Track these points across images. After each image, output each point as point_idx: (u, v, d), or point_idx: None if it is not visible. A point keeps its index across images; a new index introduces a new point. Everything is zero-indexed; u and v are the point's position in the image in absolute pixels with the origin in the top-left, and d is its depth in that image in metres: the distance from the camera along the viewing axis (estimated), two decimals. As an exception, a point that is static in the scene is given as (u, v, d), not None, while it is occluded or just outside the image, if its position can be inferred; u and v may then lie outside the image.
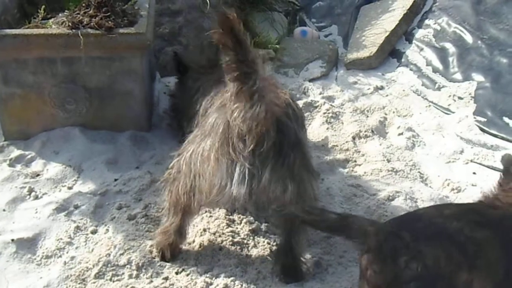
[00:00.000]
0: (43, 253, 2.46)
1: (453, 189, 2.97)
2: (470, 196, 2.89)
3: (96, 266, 2.36)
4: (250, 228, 2.60)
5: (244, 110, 1.96)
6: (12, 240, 2.48)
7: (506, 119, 3.43)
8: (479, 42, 3.96)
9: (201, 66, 3.07)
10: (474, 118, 3.51)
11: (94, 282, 2.30)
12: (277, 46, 4.25)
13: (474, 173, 3.11)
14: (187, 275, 2.34)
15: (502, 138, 3.34)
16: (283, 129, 2.09)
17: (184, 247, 2.47)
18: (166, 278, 2.32)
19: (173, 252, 2.41)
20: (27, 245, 2.48)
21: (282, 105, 2.11)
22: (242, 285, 2.29)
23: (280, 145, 2.07)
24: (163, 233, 2.40)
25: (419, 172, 3.11)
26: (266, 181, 2.07)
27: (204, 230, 2.55)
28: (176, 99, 3.19)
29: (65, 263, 2.40)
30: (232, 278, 2.31)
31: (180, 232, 2.39)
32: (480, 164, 3.16)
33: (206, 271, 2.36)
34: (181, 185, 2.24)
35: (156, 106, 3.44)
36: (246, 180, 2.06)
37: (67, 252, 2.46)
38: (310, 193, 2.21)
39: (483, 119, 3.48)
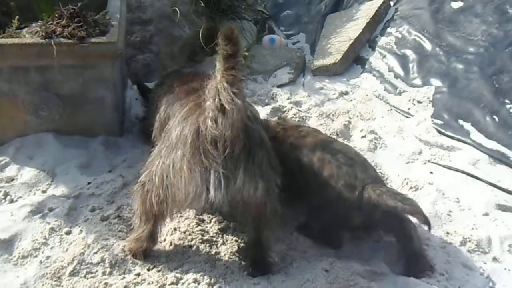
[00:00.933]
0: (20, 253, 2.51)
1: (411, 188, 3.10)
2: (427, 193, 3.04)
3: (70, 264, 2.43)
4: (219, 227, 2.70)
5: (219, 118, 2.05)
6: None
7: (461, 122, 3.54)
8: (437, 49, 4.08)
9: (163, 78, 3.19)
10: (432, 121, 3.63)
11: (69, 280, 2.38)
12: (247, 53, 4.31)
13: (431, 172, 3.23)
14: (158, 271, 2.43)
15: (457, 140, 3.46)
16: (250, 131, 2.20)
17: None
18: (138, 274, 2.41)
19: (146, 256, 2.49)
20: (4, 246, 2.54)
21: (244, 108, 2.21)
22: (211, 280, 2.39)
23: (249, 146, 2.18)
24: (136, 240, 2.48)
25: (380, 172, 3.21)
26: (241, 181, 2.15)
27: (175, 229, 2.65)
28: (145, 109, 3.33)
29: (41, 262, 2.46)
30: (201, 273, 2.41)
31: (153, 237, 2.48)
32: (436, 164, 3.29)
33: (176, 267, 2.45)
34: (153, 196, 2.29)
35: (128, 112, 3.51)
36: (222, 184, 2.13)
37: (42, 252, 2.52)
38: (275, 189, 2.32)
39: (440, 122, 3.60)
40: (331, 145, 2.73)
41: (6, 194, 2.83)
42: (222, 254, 2.57)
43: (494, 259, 2.65)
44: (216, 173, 2.12)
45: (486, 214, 2.91)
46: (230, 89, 1.99)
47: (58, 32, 2.90)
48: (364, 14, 4.58)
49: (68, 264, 2.44)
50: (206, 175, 2.13)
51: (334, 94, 4.06)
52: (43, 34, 2.90)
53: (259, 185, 2.20)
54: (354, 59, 4.40)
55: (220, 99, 2.02)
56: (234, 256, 2.55)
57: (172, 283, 2.38)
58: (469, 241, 2.73)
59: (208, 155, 2.11)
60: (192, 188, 2.15)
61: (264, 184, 2.22)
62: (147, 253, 2.50)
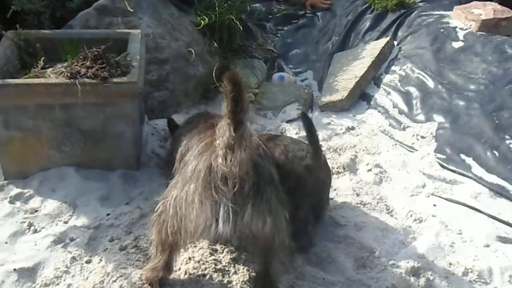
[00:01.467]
0: (42, 281, 2.62)
1: (415, 220, 3.19)
2: (430, 225, 3.14)
3: (91, 292, 2.56)
4: (231, 256, 2.80)
5: (228, 156, 2.14)
6: (14, 269, 2.63)
7: (463, 156, 3.62)
8: (440, 86, 4.18)
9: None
10: (435, 155, 3.72)
11: (89, 307, 2.51)
12: (257, 90, 4.48)
13: (434, 205, 3.33)
14: None
15: (459, 174, 3.54)
16: (259, 169, 2.29)
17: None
18: None
19: (161, 284, 2.58)
20: (27, 274, 2.64)
21: (255, 146, 2.33)
22: (224, 307, 2.51)
23: (258, 183, 2.26)
24: (152, 269, 2.57)
25: (385, 204, 3.33)
26: (249, 217, 2.22)
27: (189, 258, 2.76)
28: (170, 144, 3.50)
29: None
30: None
31: (168, 267, 2.57)
32: (439, 197, 3.39)
33: None
34: (168, 226, 2.38)
35: (144, 146, 3.65)
36: (231, 218, 2.19)
37: (64, 280, 2.63)
38: (284, 223, 2.40)
39: (443, 156, 3.69)
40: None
41: (30, 225, 2.96)
42: (234, 283, 2.66)
43: (495, 289, 2.75)
44: (226, 207, 2.19)
45: (487, 246, 3.00)
46: (236, 130, 2.10)
47: (82, 73, 3.04)
48: (369, 53, 4.73)
49: (88, 292, 2.56)
50: (216, 208, 2.21)
51: (341, 129, 4.19)
52: (68, 74, 3.04)
53: (267, 220, 2.28)
54: (360, 96, 4.54)
55: (228, 139, 2.13)
56: (245, 286, 2.65)
57: (187, 311, 2.49)
58: (471, 272, 2.82)
59: (218, 190, 2.19)
60: (202, 220, 2.23)
61: (272, 219, 2.30)
62: (163, 282, 2.60)
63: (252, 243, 2.49)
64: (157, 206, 2.49)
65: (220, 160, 2.18)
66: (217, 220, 2.22)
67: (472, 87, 4.05)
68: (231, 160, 2.15)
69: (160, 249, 2.53)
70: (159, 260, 2.55)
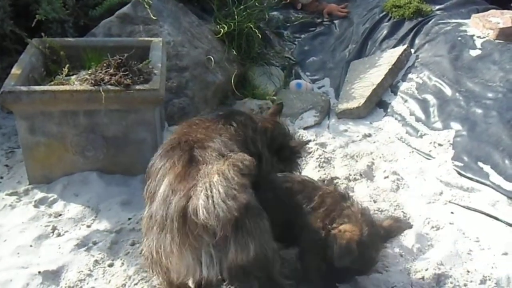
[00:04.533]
0: (66, 284, 2.69)
1: (432, 227, 3.19)
2: (448, 233, 3.15)
3: (113, 294, 2.62)
4: None
5: (209, 204, 1.99)
6: (39, 272, 2.71)
7: (480, 164, 3.62)
8: (457, 94, 4.19)
9: None
10: (452, 163, 3.72)
11: (112, 309, 2.57)
12: (275, 97, 4.56)
13: (452, 212, 3.33)
14: None
15: (477, 181, 3.54)
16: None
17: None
18: None
19: None
20: (51, 277, 2.72)
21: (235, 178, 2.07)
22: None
23: (237, 221, 2.09)
24: None
25: (402, 211, 3.34)
26: (233, 254, 2.13)
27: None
28: None
29: None
30: None
31: None
32: (457, 204, 3.39)
33: None
34: (158, 271, 2.30)
35: (164, 152, 3.74)
36: (214, 262, 2.13)
37: (87, 283, 2.70)
38: (266, 235, 2.25)
39: (460, 164, 3.69)
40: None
41: (54, 228, 3.04)
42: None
43: (513, 297, 2.75)
44: (207, 253, 2.13)
45: (506, 254, 3.00)
46: (233, 183, 1.99)
47: (106, 80, 3.12)
48: (386, 61, 4.76)
49: (111, 295, 2.62)
50: (197, 255, 2.14)
51: (358, 136, 4.22)
52: (93, 81, 3.13)
53: (251, 248, 2.16)
54: (377, 103, 4.57)
55: (215, 193, 1.99)
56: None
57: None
58: (489, 280, 2.82)
59: (197, 238, 2.10)
60: (183, 268, 2.17)
61: (255, 243, 2.17)
62: None
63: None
64: (143, 250, 2.39)
65: (201, 212, 2.00)
66: (200, 266, 2.16)
67: (490, 95, 4.06)
68: (214, 217, 1.98)
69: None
70: None
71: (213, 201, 1.99)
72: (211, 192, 2.01)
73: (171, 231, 2.13)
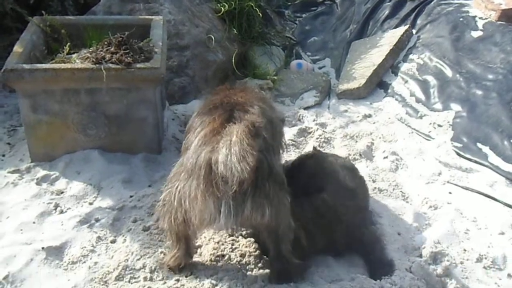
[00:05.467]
0: (69, 259, 2.73)
1: (430, 207, 3.24)
2: (446, 212, 3.19)
3: (116, 270, 2.64)
4: (249, 237, 2.86)
5: (228, 158, 2.14)
6: (42, 248, 2.74)
7: (479, 145, 3.66)
8: (458, 75, 4.21)
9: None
10: (452, 143, 3.76)
11: (115, 284, 2.58)
12: (275, 77, 4.57)
13: (450, 192, 3.37)
14: (196, 277, 2.61)
15: (476, 162, 3.59)
16: (259, 165, 2.23)
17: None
18: (178, 280, 2.59)
19: (184, 269, 2.66)
20: (55, 253, 2.75)
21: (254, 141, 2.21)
22: (243, 287, 2.57)
23: (257, 179, 2.26)
24: (174, 259, 2.64)
25: (401, 191, 3.38)
26: (248, 211, 2.29)
27: (209, 239, 2.85)
28: None
29: (89, 267, 2.67)
30: (234, 281, 2.58)
31: (188, 253, 2.65)
32: (455, 184, 3.43)
33: (211, 274, 2.63)
34: (173, 218, 2.43)
35: (165, 131, 3.73)
36: (232, 213, 2.27)
37: (90, 259, 2.74)
38: (285, 210, 2.44)
39: (459, 145, 3.73)
40: None
41: (56, 206, 3.06)
42: (251, 264, 2.72)
43: (509, 275, 2.80)
44: (227, 204, 2.27)
45: (502, 233, 3.05)
46: (245, 144, 2.13)
47: (107, 58, 3.12)
48: (387, 41, 4.76)
49: (114, 270, 2.65)
50: (218, 204, 2.28)
51: (358, 116, 4.25)
52: (94, 60, 3.12)
53: (266, 212, 2.33)
54: (378, 84, 4.58)
55: (232, 151, 2.14)
56: (263, 266, 2.71)
57: (208, 289, 2.57)
58: (485, 258, 2.87)
59: (219, 188, 2.23)
60: (206, 215, 2.31)
61: (271, 210, 2.34)
62: (185, 268, 2.66)
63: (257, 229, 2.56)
64: (162, 195, 2.53)
65: (221, 166, 2.17)
66: (219, 215, 2.30)
67: (490, 76, 4.07)
68: (232, 169, 2.14)
69: (175, 239, 2.60)
70: (178, 249, 2.62)
71: (230, 158, 2.14)
72: (229, 150, 2.15)
73: (198, 177, 2.28)
